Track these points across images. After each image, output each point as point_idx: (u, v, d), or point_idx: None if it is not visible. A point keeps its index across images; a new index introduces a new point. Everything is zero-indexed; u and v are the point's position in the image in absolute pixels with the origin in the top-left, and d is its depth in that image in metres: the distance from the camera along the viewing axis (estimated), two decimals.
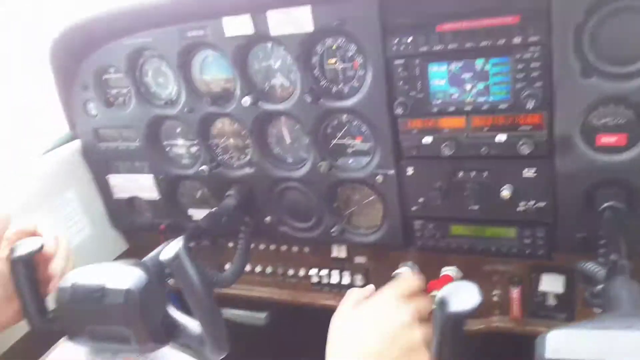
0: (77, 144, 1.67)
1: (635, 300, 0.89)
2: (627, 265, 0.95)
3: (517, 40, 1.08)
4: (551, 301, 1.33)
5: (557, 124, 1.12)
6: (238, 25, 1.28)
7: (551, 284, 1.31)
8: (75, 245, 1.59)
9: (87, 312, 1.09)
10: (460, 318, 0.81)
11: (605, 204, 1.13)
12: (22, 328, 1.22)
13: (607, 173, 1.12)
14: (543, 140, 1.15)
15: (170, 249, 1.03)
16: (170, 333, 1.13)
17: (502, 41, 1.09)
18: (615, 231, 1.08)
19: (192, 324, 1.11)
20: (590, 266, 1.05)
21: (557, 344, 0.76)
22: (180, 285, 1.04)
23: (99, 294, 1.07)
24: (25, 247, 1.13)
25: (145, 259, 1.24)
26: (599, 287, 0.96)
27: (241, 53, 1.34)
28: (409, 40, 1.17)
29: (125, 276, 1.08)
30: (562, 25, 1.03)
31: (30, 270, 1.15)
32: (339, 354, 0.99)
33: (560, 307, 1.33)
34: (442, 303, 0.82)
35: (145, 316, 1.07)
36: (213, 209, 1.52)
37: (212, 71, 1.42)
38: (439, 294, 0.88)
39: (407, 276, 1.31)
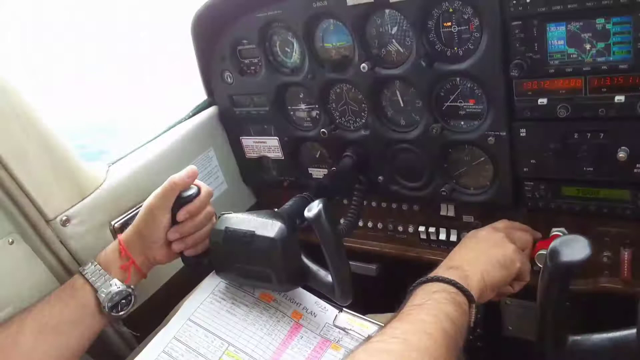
0: (214, 109, 1.85)
1: None
2: None
3: None
4: None
5: None
6: None
7: None
8: (215, 198, 1.79)
9: (237, 253, 1.27)
10: (569, 268, 0.83)
11: None
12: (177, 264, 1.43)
13: None
14: None
15: (313, 208, 1.14)
16: (303, 277, 1.27)
17: None
18: None
19: (322, 272, 1.24)
20: None
21: None
22: (320, 239, 1.15)
23: (249, 239, 1.23)
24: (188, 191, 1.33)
25: (280, 210, 1.38)
26: None
27: (360, 21, 1.40)
28: (528, 0, 1.15)
29: (270, 226, 1.23)
30: None
31: None
32: (454, 255, 1.26)
33: None
34: (554, 252, 0.85)
35: (285, 261, 1.23)
36: (332, 169, 1.63)
37: (333, 40, 1.50)
38: (551, 244, 0.90)
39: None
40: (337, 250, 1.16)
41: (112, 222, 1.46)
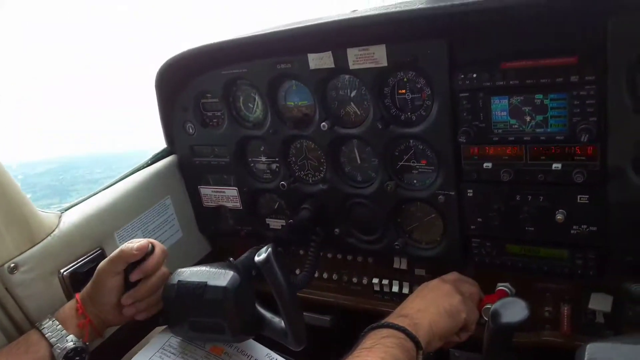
0: (173, 158, 1.85)
1: None
2: None
3: (574, 78, 1.15)
4: (600, 319, 1.36)
5: (609, 156, 1.18)
6: (321, 60, 1.42)
7: (600, 303, 1.33)
8: (169, 247, 1.77)
9: (189, 306, 1.25)
10: (509, 329, 0.90)
11: None
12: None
13: None
14: (596, 170, 1.21)
15: (262, 253, 1.16)
16: (257, 326, 1.27)
17: (560, 79, 1.17)
18: None
19: (276, 319, 1.25)
20: (636, 287, 1.09)
21: (594, 354, 0.83)
22: (269, 284, 1.16)
23: (201, 290, 1.22)
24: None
25: (235, 261, 1.38)
26: None
27: (322, 84, 1.47)
28: (474, 75, 1.26)
29: (223, 276, 1.23)
30: (616, 66, 1.10)
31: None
32: (406, 304, 1.29)
33: (608, 325, 1.36)
34: (495, 315, 0.91)
35: (238, 310, 1.22)
36: (289, 220, 1.65)
37: (295, 98, 1.56)
38: (492, 307, 0.97)
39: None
40: (287, 294, 1.18)
41: (61, 271, 1.42)
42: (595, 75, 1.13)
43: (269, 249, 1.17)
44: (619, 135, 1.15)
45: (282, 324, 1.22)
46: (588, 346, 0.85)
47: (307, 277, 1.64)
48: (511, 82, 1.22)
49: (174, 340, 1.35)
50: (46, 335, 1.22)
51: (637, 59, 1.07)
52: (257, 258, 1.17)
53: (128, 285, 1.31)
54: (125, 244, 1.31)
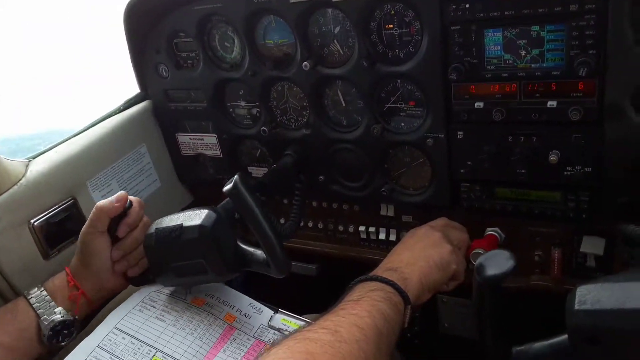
0: (148, 104, 1.76)
1: None
2: None
3: (573, 7, 1.07)
4: (591, 262, 1.34)
5: (608, 91, 1.11)
6: None
7: (592, 245, 1.31)
8: (147, 197, 1.70)
9: (169, 251, 1.20)
10: (495, 281, 0.88)
11: None
12: None
13: None
14: (593, 107, 1.15)
15: (229, 183, 1.12)
16: (241, 262, 1.23)
17: (558, 8, 1.08)
18: None
19: (258, 252, 1.20)
20: (632, 228, 1.06)
21: (584, 296, 0.81)
22: (241, 213, 1.11)
23: (177, 232, 1.17)
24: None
25: (216, 207, 1.33)
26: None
27: (303, 19, 1.37)
28: (467, 6, 1.17)
29: (198, 216, 1.18)
30: None
31: None
32: (394, 255, 1.26)
33: (599, 268, 1.34)
34: (480, 268, 0.89)
35: (218, 248, 1.18)
36: (272, 167, 1.59)
37: (275, 36, 1.46)
38: (477, 260, 0.95)
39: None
40: (261, 219, 1.13)
41: (32, 221, 1.36)
42: (596, 3, 1.05)
43: (236, 177, 1.13)
44: (619, 69, 1.08)
45: (264, 255, 1.18)
46: (578, 289, 0.83)
47: (293, 226, 1.59)
48: (506, 13, 1.13)
49: (154, 294, 1.31)
50: (34, 306, 1.18)
51: None
52: (224, 188, 1.12)
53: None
54: (100, 201, 1.26)
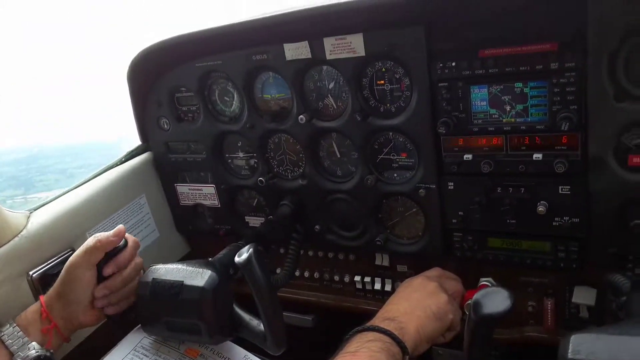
0: (148, 155, 1.80)
1: None
2: None
3: (554, 65, 1.13)
4: (583, 313, 1.34)
5: (590, 144, 1.16)
6: (297, 50, 1.38)
7: (583, 296, 1.32)
8: (145, 247, 1.71)
9: (164, 305, 1.21)
10: (491, 319, 0.86)
11: (636, 221, 1.15)
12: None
13: (638, 191, 1.14)
14: (577, 159, 1.19)
15: (243, 253, 1.11)
16: (235, 327, 1.23)
17: (540, 66, 1.14)
18: None
19: (254, 322, 1.20)
20: (618, 278, 1.07)
21: (579, 345, 0.81)
22: (250, 285, 1.11)
23: (177, 289, 1.18)
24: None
25: (213, 259, 1.34)
26: (624, 298, 0.99)
27: (299, 75, 1.44)
28: (453, 64, 1.23)
29: (200, 276, 1.18)
30: (597, 52, 1.07)
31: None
32: (390, 306, 1.26)
33: (592, 319, 1.34)
34: (476, 305, 0.87)
35: (215, 311, 1.18)
36: (268, 217, 1.61)
37: (272, 91, 1.52)
38: (474, 296, 0.93)
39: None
40: (269, 296, 1.13)
41: (31, 273, 1.36)
42: (576, 61, 1.11)
43: (251, 249, 1.11)
44: (600, 123, 1.12)
45: (261, 326, 1.18)
46: (572, 337, 0.83)
47: (287, 276, 1.60)
48: (490, 71, 1.19)
49: (147, 341, 1.30)
50: (6, 343, 1.14)
51: (618, 44, 1.05)
52: (237, 258, 1.12)
53: (100, 280, 1.25)
54: (96, 234, 1.24)
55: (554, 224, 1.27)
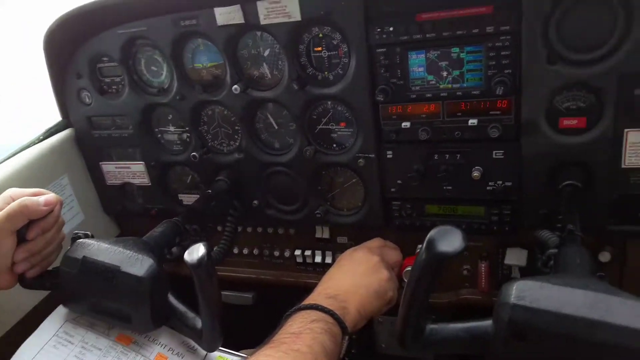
0: (70, 132, 1.63)
1: (586, 265, 0.94)
2: (578, 235, 0.99)
3: (489, 29, 1.11)
4: (515, 274, 1.36)
5: (523, 108, 1.15)
6: (229, 15, 1.27)
7: (515, 257, 1.33)
8: (69, 231, 1.55)
9: (94, 287, 1.08)
10: (444, 258, 0.81)
11: (565, 183, 1.16)
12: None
13: (568, 154, 1.16)
14: (511, 124, 1.18)
15: (194, 252, 0.97)
16: (167, 317, 1.12)
17: (476, 30, 1.12)
18: (572, 207, 1.11)
19: (189, 315, 1.09)
20: (546, 233, 1.08)
21: (522, 292, 0.79)
22: (197, 285, 1.00)
23: (111, 274, 1.05)
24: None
25: (148, 238, 1.22)
26: (552, 251, 1.00)
27: (231, 42, 1.33)
28: (391, 29, 1.18)
29: (139, 263, 1.06)
30: (531, 15, 1.06)
31: None
32: (331, 281, 1.23)
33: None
34: (430, 242, 0.82)
35: (151, 303, 1.06)
36: (206, 191, 1.50)
37: (203, 60, 1.40)
38: (429, 233, 0.87)
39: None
40: (215, 300, 1.03)
41: None
42: (510, 25, 1.09)
43: (204, 250, 0.97)
44: (533, 87, 1.12)
45: (196, 321, 1.07)
46: (517, 283, 0.81)
47: (222, 254, 1.51)
48: (428, 35, 1.16)
49: (70, 326, 1.15)
50: None
51: (551, 7, 1.04)
52: (187, 258, 0.98)
53: (20, 241, 1.10)
54: (24, 198, 1.08)
55: (487, 188, 1.26)
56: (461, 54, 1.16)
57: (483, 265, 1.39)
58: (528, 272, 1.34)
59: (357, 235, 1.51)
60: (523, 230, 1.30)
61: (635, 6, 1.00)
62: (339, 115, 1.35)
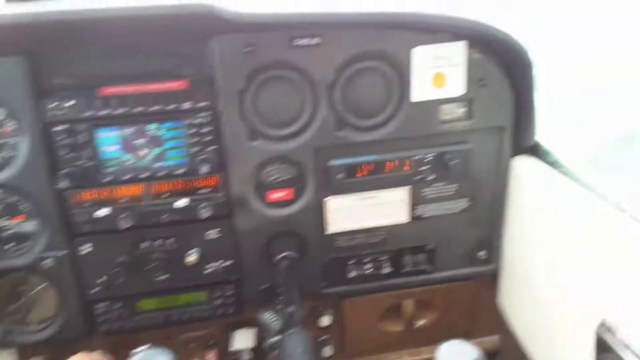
0: None
1: (306, 353, 0.91)
2: (300, 316, 0.97)
3: (187, 105, 1.02)
4: (247, 356, 1.27)
5: (232, 185, 1.10)
6: None
7: (243, 340, 1.26)
8: None
9: None
10: None
11: (281, 255, 1.15)
12: None
13: (279, 225, 1.15)
14: (222, 201, 1.11)
15: None
16: None
17: (172, 106, 1.02)
18: (290, 280, 1.10)
19: None
20: (268, 316, 1.03)
21: None
22: None
23: None
24: None
25: None
26: (276, 338, 0.95)
27: None
28: (72, 103, 0.98)
29: None
30: (226, 91, 1.02)
31: None
32: None
33: None
34: None
35: None
36: None
37: None
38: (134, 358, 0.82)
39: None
40: None
41: None
42: (209, 101, 1.03)
43: None
44: (238, 163, 1.08)
45: None
46: None
47: None
48: (116, 112, 1.00)
49: None
50: None
51: (244, 84, 1.02)
52: None
53: None
54: None
55: (206, 271, 1.16)
56: (159, 131, 1.04)
57: (210, 355, 1.26)
58: (260, 352, 1.27)
59: (56, 353, 1.19)
60: (248, 307, 1.23)
61: (323, 94, 1.05)
62: (13, 207, 1.05)
